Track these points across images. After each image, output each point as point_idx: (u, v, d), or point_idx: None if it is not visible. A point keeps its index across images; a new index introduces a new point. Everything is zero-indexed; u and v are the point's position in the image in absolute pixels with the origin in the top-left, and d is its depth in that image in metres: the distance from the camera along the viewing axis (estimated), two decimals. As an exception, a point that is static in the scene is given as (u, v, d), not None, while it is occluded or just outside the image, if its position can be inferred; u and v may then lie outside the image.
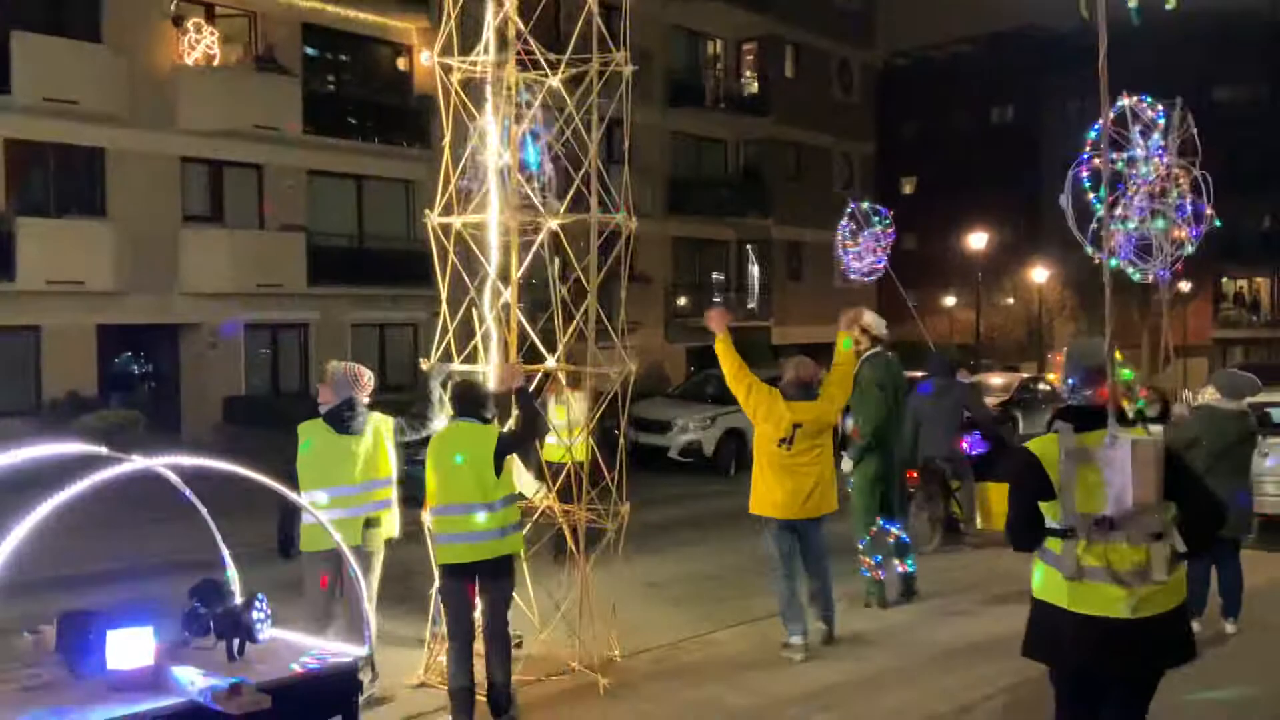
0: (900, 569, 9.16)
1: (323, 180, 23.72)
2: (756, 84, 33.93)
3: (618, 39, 6.96)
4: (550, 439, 9.74)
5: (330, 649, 4.00)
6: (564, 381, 7.44)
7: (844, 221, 14.03)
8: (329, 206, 23.92)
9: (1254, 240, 45.63)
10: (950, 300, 46.74)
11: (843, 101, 36.85)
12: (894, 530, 9.19)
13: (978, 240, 34.30)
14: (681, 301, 31.34)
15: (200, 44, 21.57)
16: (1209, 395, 8.21)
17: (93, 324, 19.94)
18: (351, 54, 24.75)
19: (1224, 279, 49.24)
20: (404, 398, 6.50)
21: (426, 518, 6.09)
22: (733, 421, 19.39)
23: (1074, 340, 5.05)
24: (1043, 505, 4.22)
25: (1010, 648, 7.63)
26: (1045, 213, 38.26)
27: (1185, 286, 39.36)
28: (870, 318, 8.93)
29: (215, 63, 21.75)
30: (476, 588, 6.03)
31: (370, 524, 6.13)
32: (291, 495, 4.67)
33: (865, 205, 13.88)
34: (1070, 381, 4.43)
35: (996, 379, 26.36)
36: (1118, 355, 4.59)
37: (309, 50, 23.58)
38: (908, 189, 53.18)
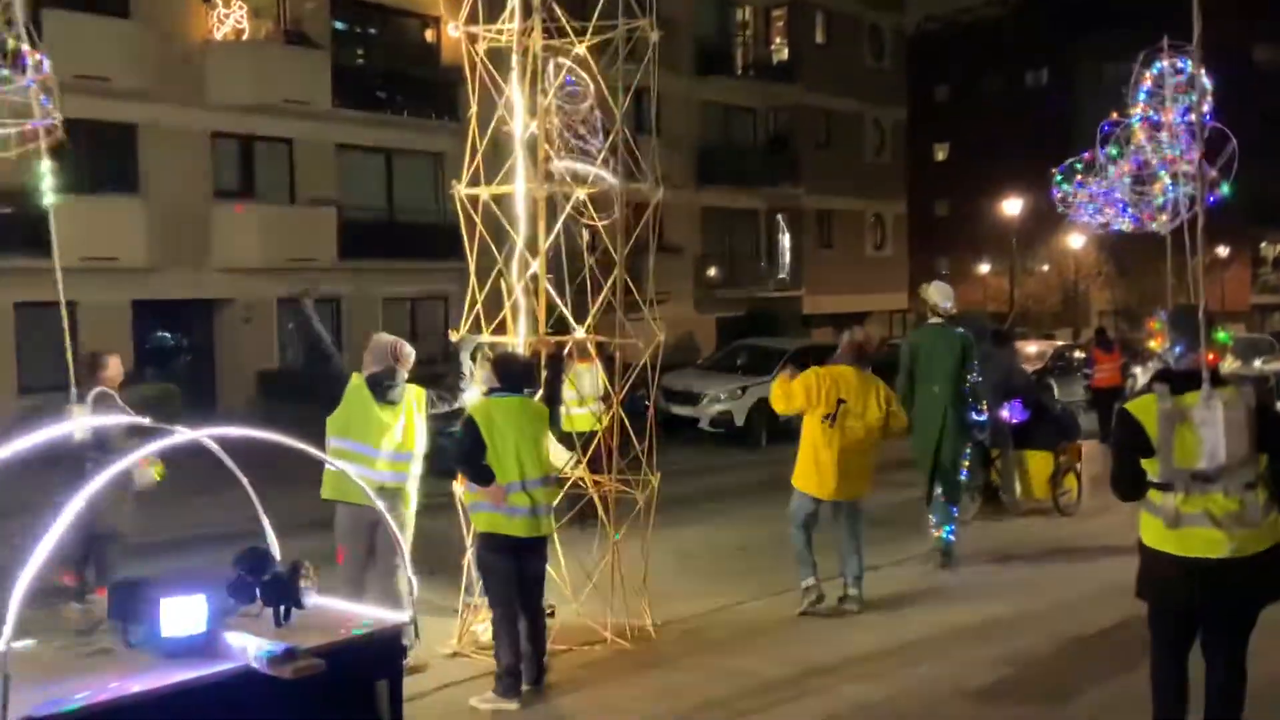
0: (939, 535, 9.36)
1: (352, 154, 23.74)
2: (786, 51, 33.59)
3: (644, 5, 6.89)
4: (577, 409, 9.92)
5: (374, 614, 4.04)
6: (575, 354, 7.46)
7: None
8: (359, 180, 23.95)
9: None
10: (984, 268, 46.26)
11: (873, 67, 36.41)
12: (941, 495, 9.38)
13: (1012, 206, 33.89)
14: (711, 272, 31.22)
15: (229, 18, 21.59)
16: (1229, 362, 8.23)
17: (127, 300, 20.13)
18: (380, 26, 24.70)
19: (1262, 244, 48.44)
20: (436, 370, 6.50)
21: (459, 490, 6.08)
22: (764, 392, 19.29)
23: (1175, 308, 5.42)
24: (1143, 462, 4.58)
25: (1043, 621, 7.68)
26: (1081, 178, 37.66)
27: (1223, 252, 38.77)
28: (933, 288, 9.38)
29: (244, 37, 21.79)
30: (519, 562, 6.02)
31: (394, 494, 6.13)
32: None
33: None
34: (1177, 349, 4.79)
35: (1031, 347, 26.13)
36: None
37: (337, 23, 23.55)
38: (940, 155, 52.60)
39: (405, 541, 6.15)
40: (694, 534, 10.91)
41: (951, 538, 9.34)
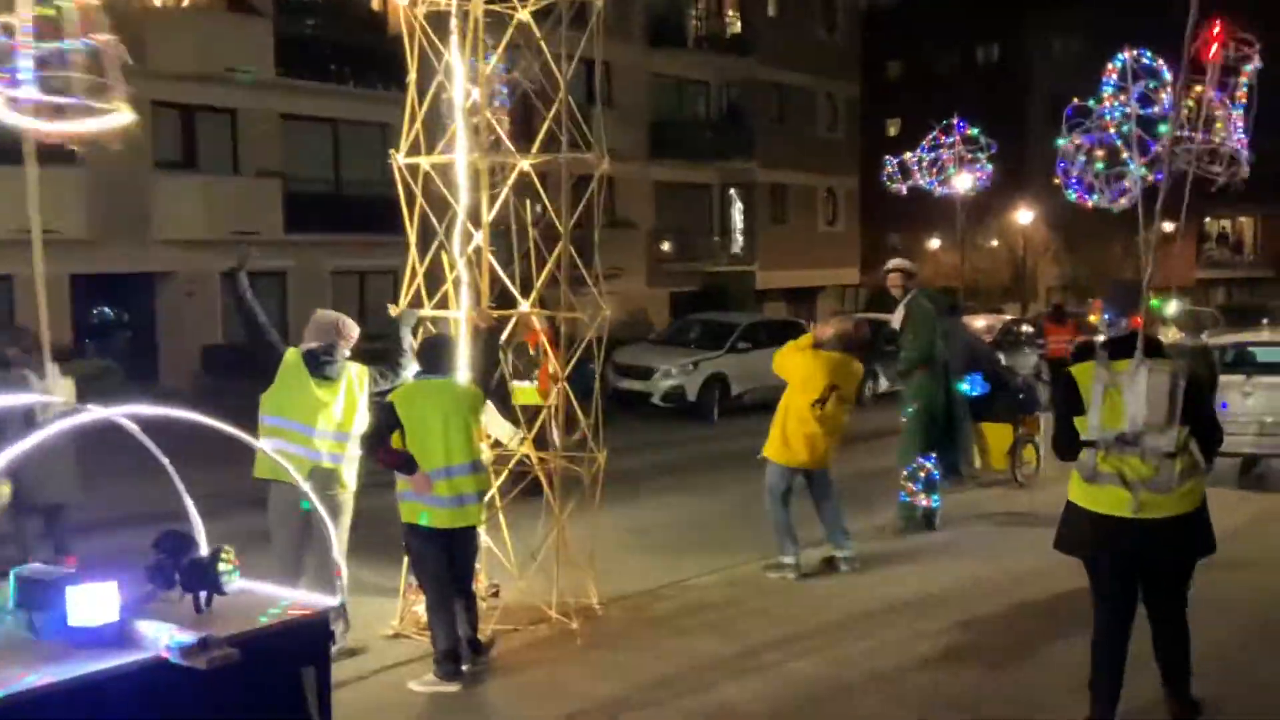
0: (925, 503, 9.61)
1: (298, 124, 23.27)
2: (739, 24, 33.41)
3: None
4: (524, 383, 10.03)
5: (301, 599, 3.88)
6: (525, 328, 7.33)
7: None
8: (305, 151, 23.49)
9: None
10: (935, 243, 46.51)
11: (826, 42, 36.35)
12: (929, 465, 9.58)
13: (961, 182, 34.02)
14: (665, 246, 31.08)
15: (169, -16, 21.02)
16: (1172, 334, 8.38)
17: (66, 273, 19.60)
18: (325, -6, 24.20)
19: (1207, 219, 49.17)
20: (387, 346, 6.31)
21: (402, 476, 5.83)
22: (715, 367, 19.32)
23: (1111, 280, 5.62)
24: (1076, 421, 4.87)
25: (995, 590, 7.71)
26: (1030, 154, 37.96)
27: (1168, 227, 39.26)
28: (897, 260, 9.82)
29: (185, 3, 21.19)
30: (448, 549, 5.86)
31: (330, 474, 5.94)
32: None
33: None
34: (1107, 316, 5.14)
35: (980, 321, 26.35)
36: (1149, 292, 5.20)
37: (282, -10, 23.03)
38: (893, 131, 52.72)
39: (344, 523, 5.99)
40: (644, 510, 10.83)
41: (937, 504, 9.68)
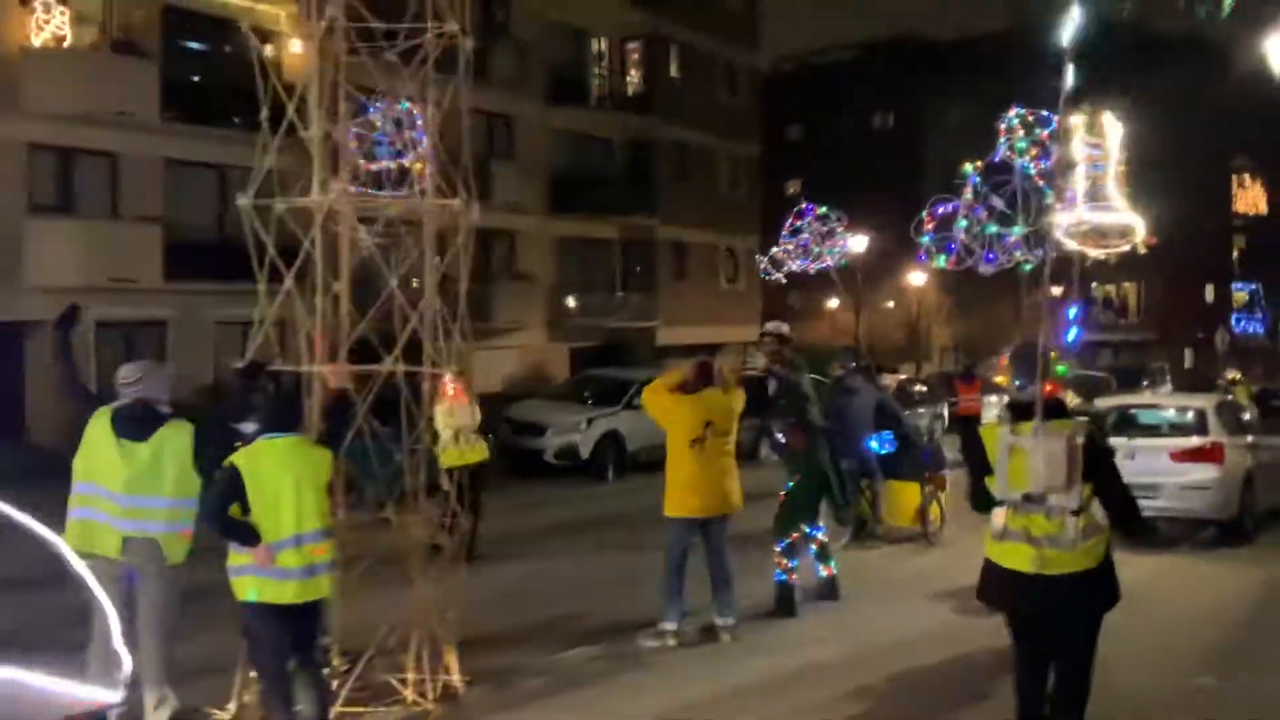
0: (826, 573, 9.21)
1: (182, 169, 22.50)
2: (642, 83, 33.61)
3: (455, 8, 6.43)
4: (450, 444, 10.55)
5: (74, 696, 3.39)
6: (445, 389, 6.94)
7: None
8: (189, 197, 22.70)
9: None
10: (833, 302, 47.21)
11: (728, 103, 36.77)
12: (819, 536, 9.15)
13: (857, 244, 34.64)
14: (571, 302, 30.86)
15: (49, 24, 20.26)
16: (1071, 399, 8.34)
17: (-75, 320, 18.53)
18: (215, 38, 23.56)
19: (1094, 283, 50.79)
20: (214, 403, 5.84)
21: (240, 550, 5.23)
22: (611, 424, 18.98)
23: (1017, 345, 5.74)
24: (986, 480, 5.03)
25: (889, 656, 7.48)
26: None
27: (1056, 291, 40.41)
28: (773, 325, 9.42)
29: (66, 44, 20.45)
30: (293, 628, 5.28)
31: (149, 544, 5.37)
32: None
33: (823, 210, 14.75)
34: (1017, 382, 5.23)
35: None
36: (1052, 355, 5.40)
37: (170, 33, 22.36)
38: (792, 190, 53.62)
39: (168, 600, 5.45)
40: (524, 573, 10.40)
41: (836, 569, 9.29)
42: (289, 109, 6.22)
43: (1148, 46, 44.10)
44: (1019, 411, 5.04)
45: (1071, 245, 9.36)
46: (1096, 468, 4.91)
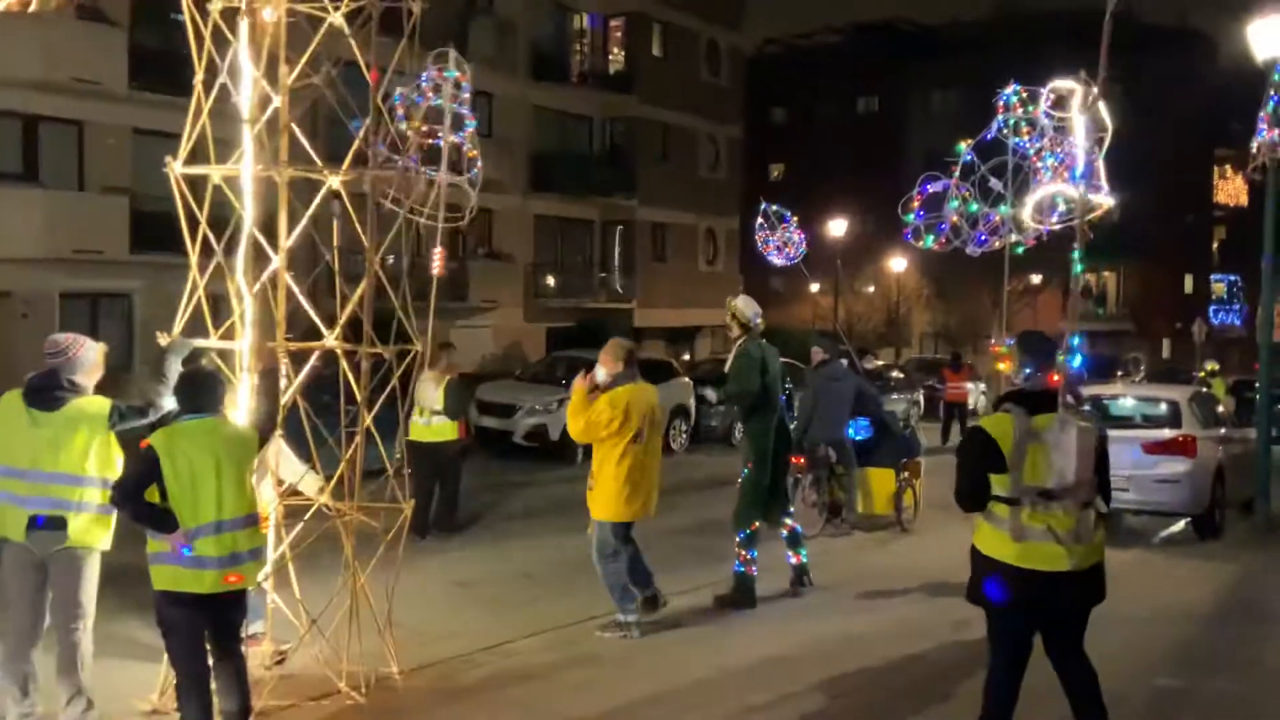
0: (795, 560, 8.96)
1: (150, 139, 22.02)
2: (624, 61, 33.22)
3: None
4: (415, 418, 10.52)
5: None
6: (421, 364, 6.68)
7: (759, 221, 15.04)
8: (157, 168, 22.19)
9: (1101, 233, 47.06)
10: (815, 287, 47.05)
11: (711, 84, 36.39)
12: (788, 521, 8.89)
13: (837, 227, 34.40)
14: (549, 281, 30.49)
15: (13, -13, 19.75)
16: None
17: (-117, 290, 18.11)
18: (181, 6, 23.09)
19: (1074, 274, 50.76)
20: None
21: (157, 536, 4.92)
22: (582, 406, 18.72)
23: (1023, 332, 5.44)
24: (992, 477, 4.85)
25: (856, 649, 7.29)
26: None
27: (1035, 279, 40.33)
28: (741, 301, 8.76)
29: (31, 8, 19.93)
30: (211, 617, 5.00)
31: (59, 525, 5.03)
32: None
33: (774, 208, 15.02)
34: (1026, 370, 5.07)
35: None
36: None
37: (138, 0, 21.88)
38: (775, 174, 53.30)
39: (83, 586, 5.17)
40: (479, 559, 10.16)
41: (806, 558, 9.02)
42: (221, 73, 5.89)
43: (1130, 36, 43.83)
44: (1030, 403, 4.90)
45: (1034, 225, 9.19)
46: (1102, 461, 4.95)
